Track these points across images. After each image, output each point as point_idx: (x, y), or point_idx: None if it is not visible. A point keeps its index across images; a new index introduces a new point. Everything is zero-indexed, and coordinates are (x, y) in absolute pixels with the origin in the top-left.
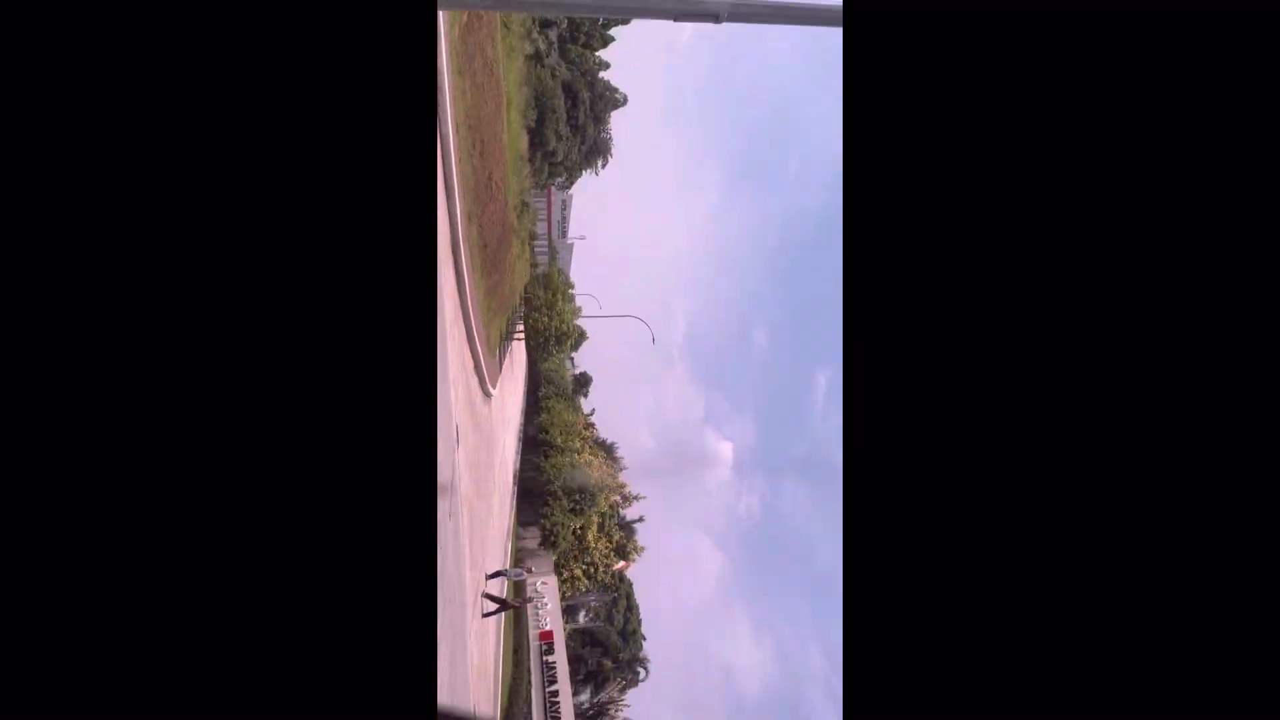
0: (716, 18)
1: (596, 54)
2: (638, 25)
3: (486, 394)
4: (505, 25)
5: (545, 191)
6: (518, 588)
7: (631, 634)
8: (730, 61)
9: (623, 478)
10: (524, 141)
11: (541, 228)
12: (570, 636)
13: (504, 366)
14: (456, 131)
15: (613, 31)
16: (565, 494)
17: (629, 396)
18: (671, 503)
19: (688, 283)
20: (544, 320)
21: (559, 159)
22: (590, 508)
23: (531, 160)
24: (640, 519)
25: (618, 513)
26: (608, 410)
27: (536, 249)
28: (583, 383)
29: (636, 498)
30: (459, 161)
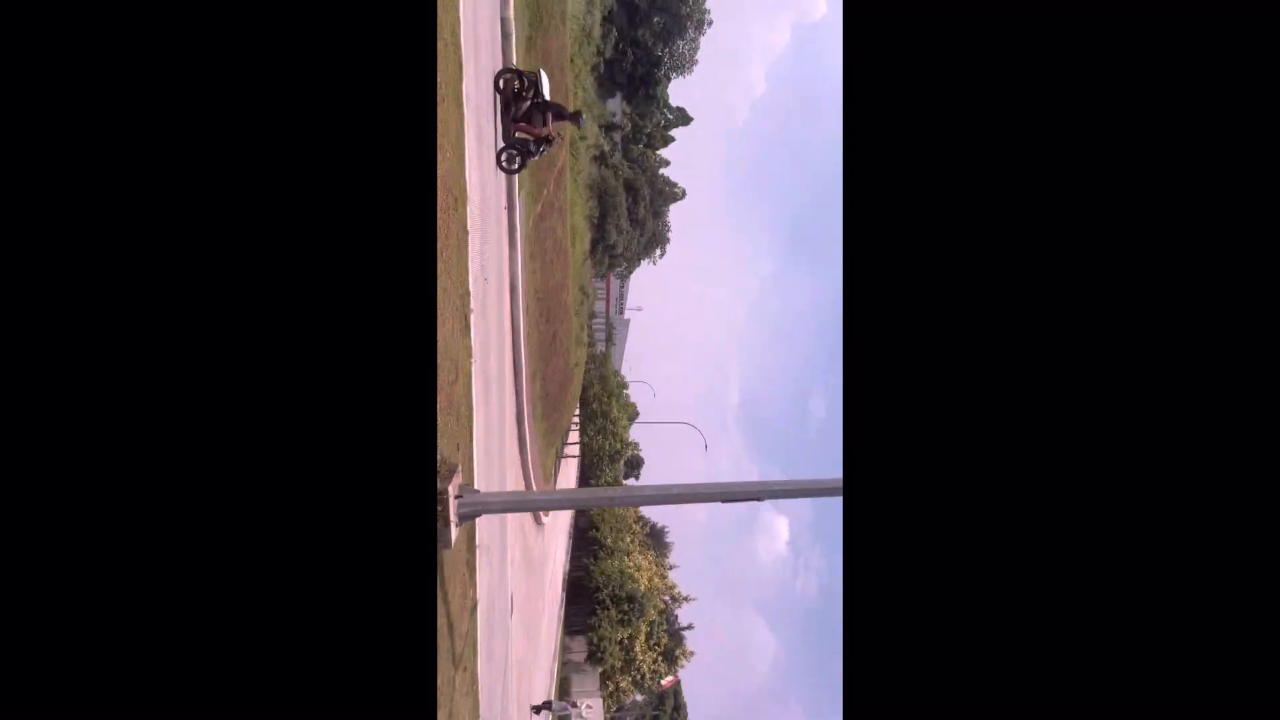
0: (758, 499)
1: (657, 152)
2: (698, 120)
3: (539, 523)
4: (573, 154)
5: (605, 280)
6: None
7: None
8: (785, 135)
9: (673, 576)
10: (587, 239)
11: (600, 306)
12: None
13: (558, 471)
14: (526, 308)
15: (674, 131)
16: (614, 603)
17: (682, 465)
18: (724, 584)
19: (743, 350)
20: (599, 441)
21: (619, 251)
22: (639, 618)
23: (593, 254)
24: (690, 626)
25: (666, 619)
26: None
27: (594, 326)
28: (634, 465)
29: (687, 599)
30: (527, 330)
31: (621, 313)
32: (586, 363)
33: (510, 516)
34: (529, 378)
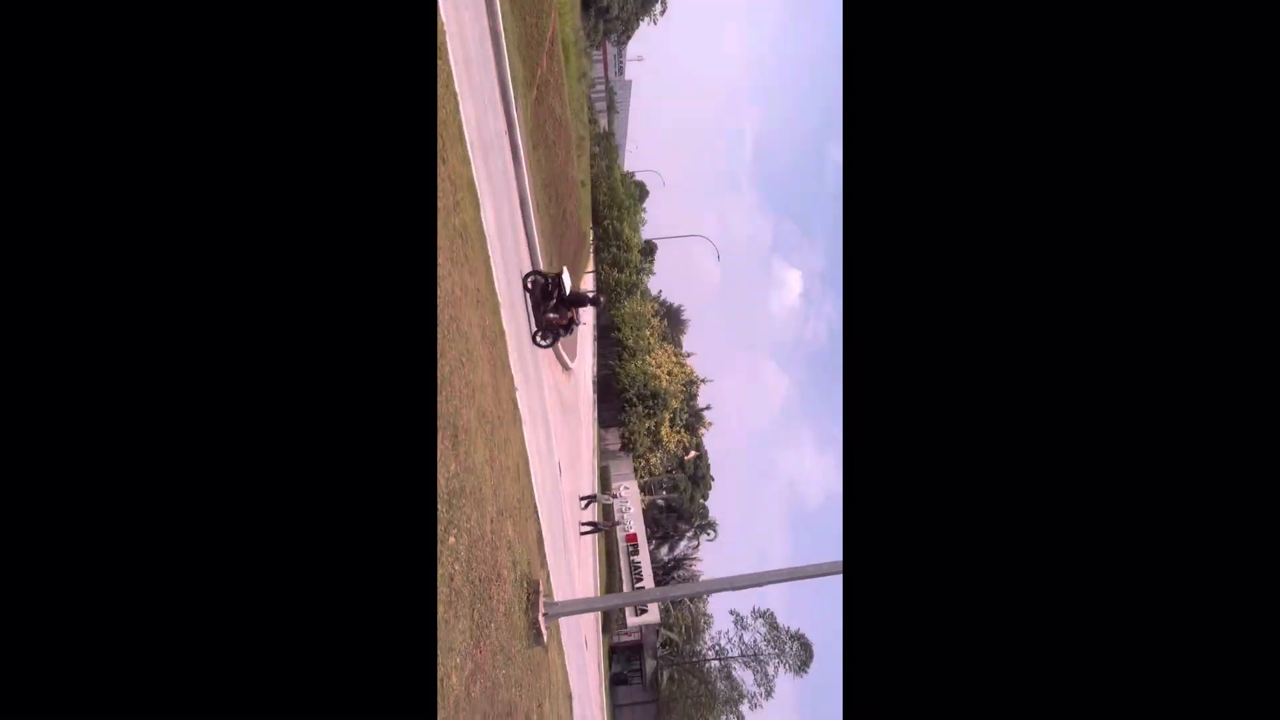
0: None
1: None
2: None
3: (566, 368)
4: None
5: (601, 49)
6: (606, 512)
7: (701, 479)
8: None
9: (691, 363)
10: (577, 9)
11: (599, 71)
12: (649, 507)
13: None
14: (534, 196)
15: None
16: (639, 400)
17: (695, 223)
18: (739, 336)
19: (756, 97)
20: (614, 275)
21: (614, 14)
22: (662, 409)
23: (585, 18)
24: (708, 407)
25: (686, 403)
26: (672, 248)
27: (594, 95)
28: (648, 251)
29: (704, 381)
30: (538, 217)
31: (621, 72)
32: (592, 156)
33: (541, 357)
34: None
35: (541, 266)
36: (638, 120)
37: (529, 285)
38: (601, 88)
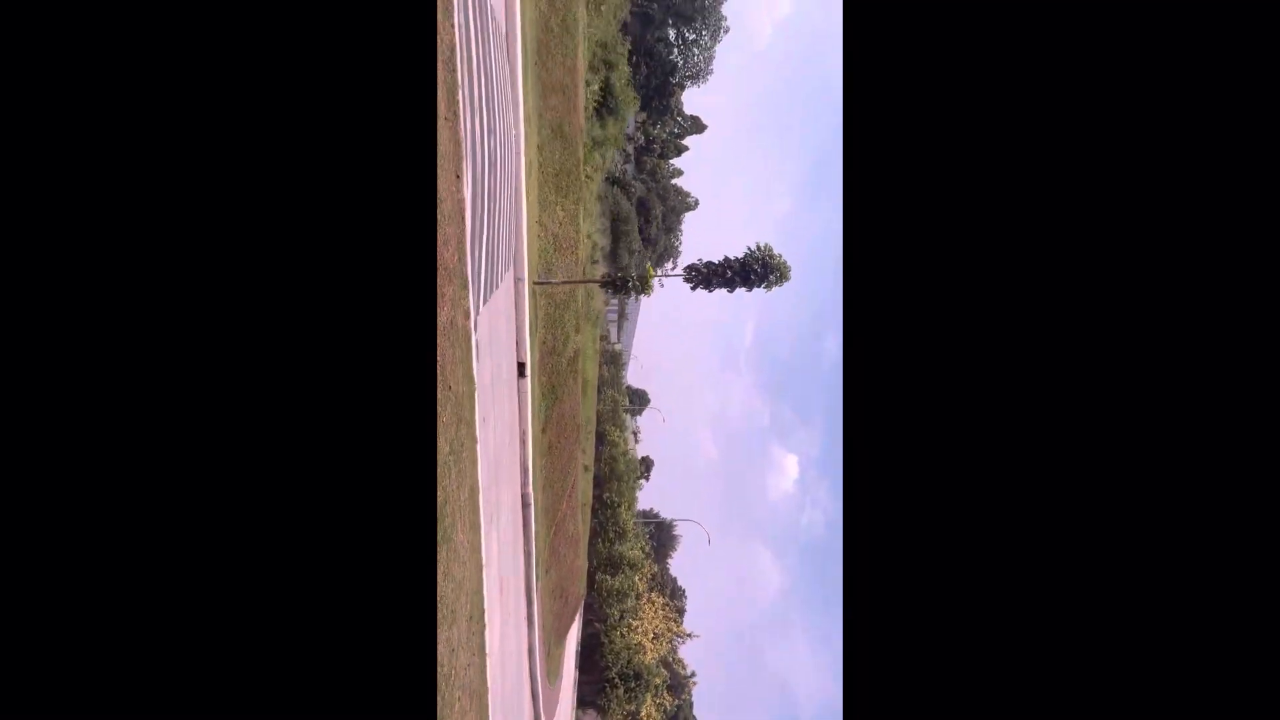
0: None
1: (670, 162)
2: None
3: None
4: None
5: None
6: None
7: None
8: (808, 59)
9: (682, 623)
10: (600, 263)
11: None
12: None
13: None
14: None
15: (688, 141)
16: (622, 680)
17: (694, 403)
18: (732, 517)
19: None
20: (605, 549)
21: (631, 273)
22: (645, 692)
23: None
24: (693, 674)
25: (670, 684)
26: (669, 425)
27: (607, 318)
28: (646, 466)
29: (691, 635)
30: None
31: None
32: (598, 436)
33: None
34: (540, 570)
35: None
36: (646, 312)
37: None
38: (614, 311)
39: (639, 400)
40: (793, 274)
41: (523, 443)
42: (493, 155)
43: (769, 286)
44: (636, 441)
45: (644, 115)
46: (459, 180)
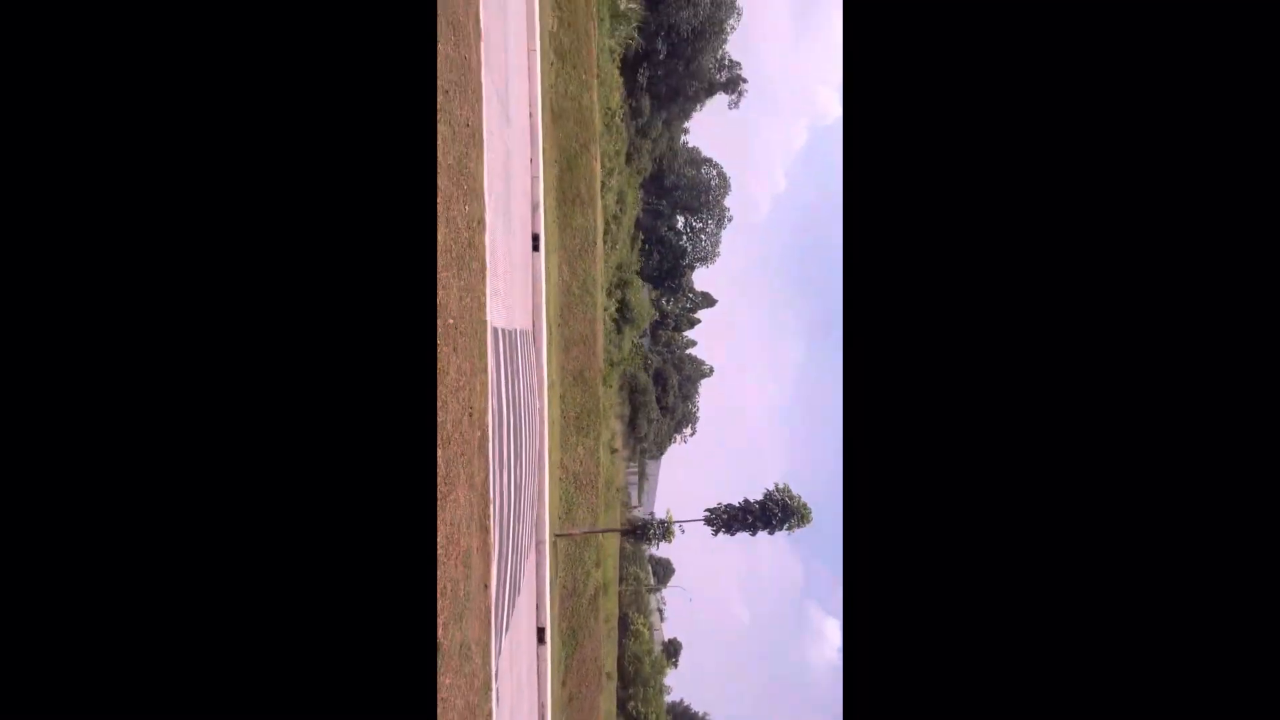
0: None
1: (684, 334)
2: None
3: None
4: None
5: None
6: None
7: None
8: (807, 225)
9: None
10: (619, 433)
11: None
12: None
13: None
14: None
15: (699, 314)
16: None
17: (720, 563)
18: (772, 694)
19: (778, 437)
20: None
21: (649, 441)
22: None
23: (625, 447)
24: None
25: None
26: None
27: (627, 473)
28: (673, 651)
29: None
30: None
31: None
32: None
33: None
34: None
35: None
36: (668, 466)
37: None
38: (634, 470)
39: (663, 571)
40: (812, 423)
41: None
42: (518, 471)
43: (790, 528)
44: (662, 620)
45: (658, 292)
46: (485, 532)
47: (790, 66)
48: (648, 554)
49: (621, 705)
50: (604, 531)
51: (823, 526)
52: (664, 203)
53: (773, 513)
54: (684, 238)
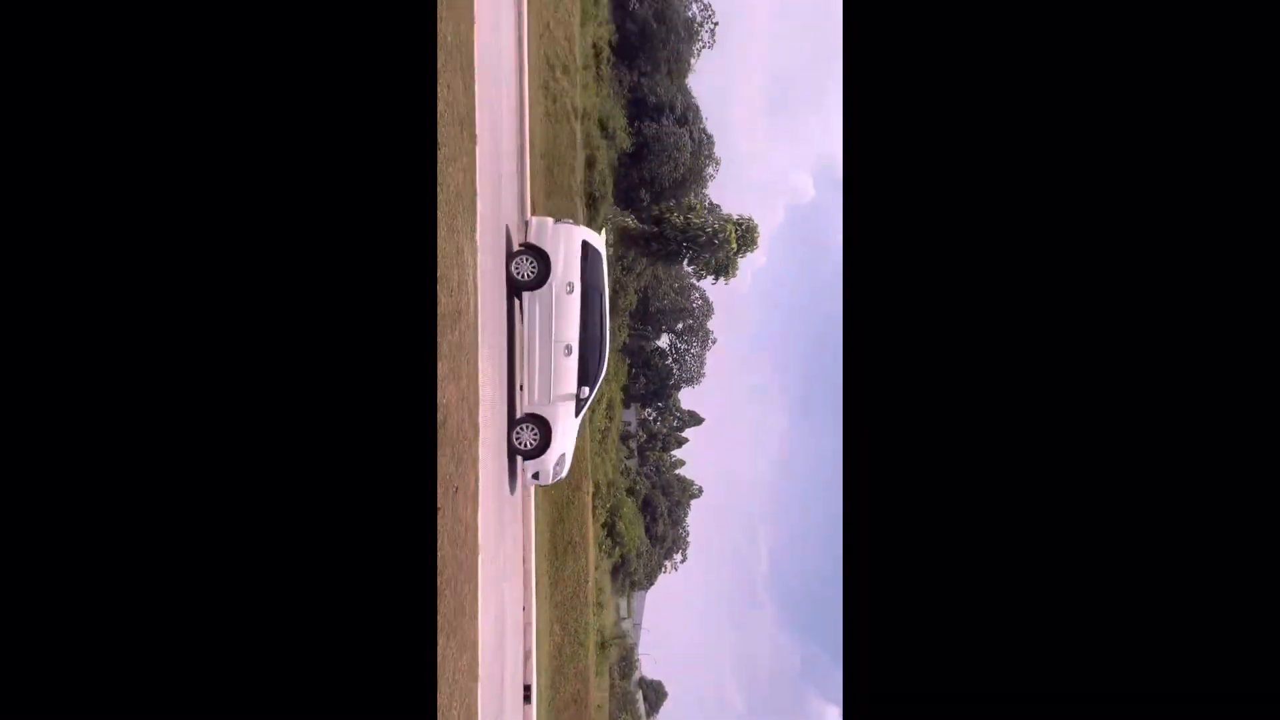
0: None
1: (672, 454)
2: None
3: None
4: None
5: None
6: None
7: None
8: (787, 298)
9: None
10: (607, 571)
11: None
12: None
13: None
14: None
15: (690, 432)
16: None
17: (711, 646)
18: None
19: (767, 510)
20: None
21: (638, 577)
22: None
23: (614, 580)
24: None
25: None
26: (690, 677)
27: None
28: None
29: None
30: None
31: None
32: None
33: None
34: None
35: None
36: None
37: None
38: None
39: (654, 695)
40: (801, 494)
41: None
42: None
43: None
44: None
45: (646, 410)
46: None
47: (765, 155)
48: (637, 672)
49: None
50: None
51: (819, 609)
52: (648, 328)
53: None
54: (669, 358)
